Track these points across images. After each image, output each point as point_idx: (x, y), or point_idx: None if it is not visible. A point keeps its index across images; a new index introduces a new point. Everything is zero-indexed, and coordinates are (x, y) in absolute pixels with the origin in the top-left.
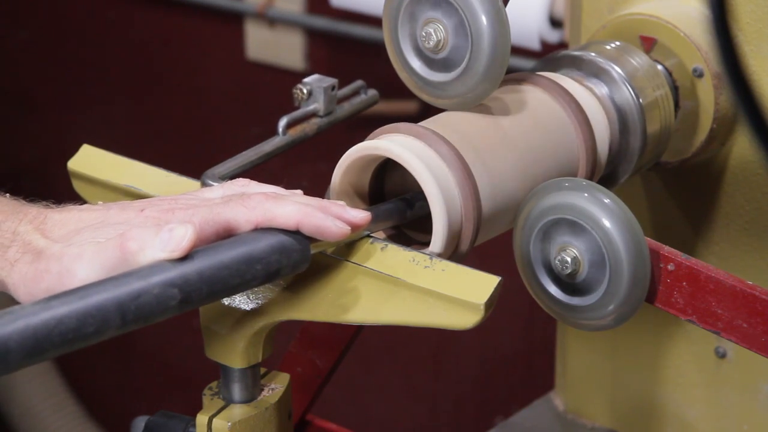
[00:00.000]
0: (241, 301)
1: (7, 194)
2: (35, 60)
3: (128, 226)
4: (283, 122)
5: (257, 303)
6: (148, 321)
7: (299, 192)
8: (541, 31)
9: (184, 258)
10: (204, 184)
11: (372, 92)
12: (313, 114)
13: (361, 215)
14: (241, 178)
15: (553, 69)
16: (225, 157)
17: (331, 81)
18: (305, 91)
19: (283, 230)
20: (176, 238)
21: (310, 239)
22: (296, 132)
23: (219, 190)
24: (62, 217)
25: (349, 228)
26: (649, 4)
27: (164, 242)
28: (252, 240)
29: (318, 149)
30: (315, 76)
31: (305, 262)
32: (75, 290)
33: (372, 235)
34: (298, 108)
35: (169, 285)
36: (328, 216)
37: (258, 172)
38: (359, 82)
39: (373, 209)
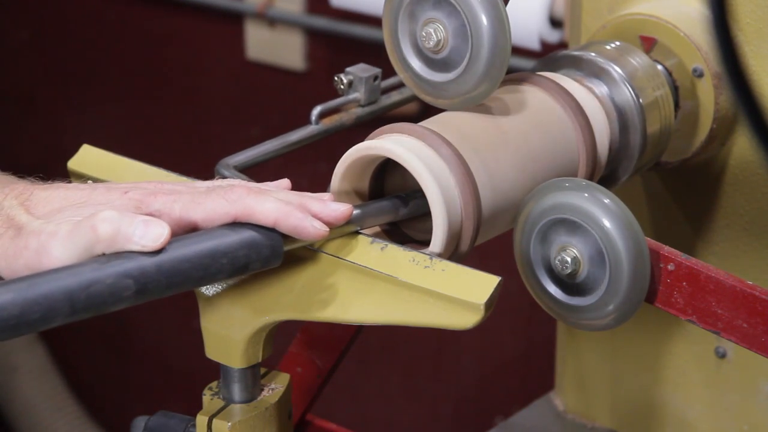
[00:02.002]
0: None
1: None
2: (35, 60)
3: (109, 207)
4: (316, 111)
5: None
6: (101, 310)
7: (286, 183)
8: (541, 31)
9: None
10: (217, 173)
11: None
12: (353, 104)
13: (341, 209)
14: (232, 179)
15: (553, 69)
16: (224, 156)
17: (374, 71)
18: (345, 80)
19: (258, 225)
20: (151, 235)
21: (288, 235)
22: (331, 122)
23: (208, 184)
24: (48, 195)
25: (327, 230)
26: (649, 4)
27: (139, 236)
28: (220, 234)
29: (318, 149)
30: (359, 66)
31: (277, 258)
32: (26, 277)
33: (366, 233)
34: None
35: (124, 276)
36: (306, 216)
37: (257, 171)
38: None
39: (365, 206)
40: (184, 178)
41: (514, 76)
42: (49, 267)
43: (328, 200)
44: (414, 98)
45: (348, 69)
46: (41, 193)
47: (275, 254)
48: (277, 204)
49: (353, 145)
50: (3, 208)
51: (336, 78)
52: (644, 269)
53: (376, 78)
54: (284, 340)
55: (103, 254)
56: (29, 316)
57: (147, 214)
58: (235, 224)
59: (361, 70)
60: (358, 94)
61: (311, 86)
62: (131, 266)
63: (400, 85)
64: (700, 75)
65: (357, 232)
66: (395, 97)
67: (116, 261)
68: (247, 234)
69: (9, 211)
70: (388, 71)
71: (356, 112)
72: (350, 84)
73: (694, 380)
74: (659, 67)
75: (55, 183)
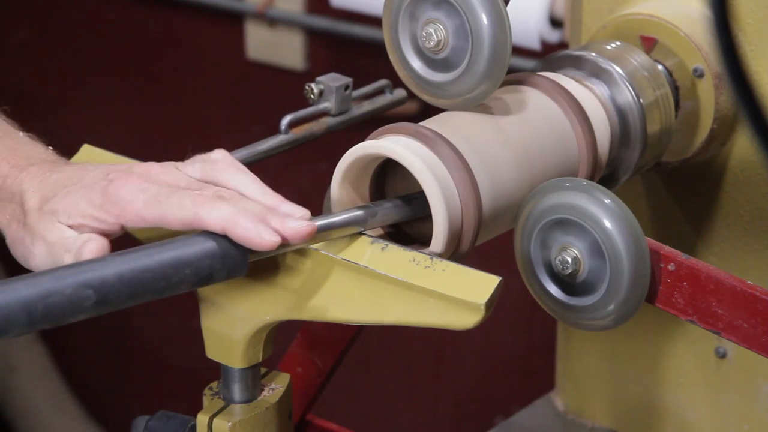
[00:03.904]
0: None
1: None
2: (35, 60)
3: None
4: (285, 120)
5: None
6: (60, 320)
7: (303, 212)
8: (541, 31)
9: (105, 259)
10: None
11: (398, 92)
12: (324, 113)
13: (298, 228)
14: (218, 150)
15: (554, 69)
16: None
17: (345, 80)
18: (316, 89)
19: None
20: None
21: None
22: (302, 131)
23: (196, 167)
24: (59, 178)
25: (278, 240)
26: (649, 4)
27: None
28: (184, 244)
29: (318, 149)
30: (329, 75)
31: (242, 268)
32: None
33: (367, 233)
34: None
35: (83, 286)
36: (258, 225)
37: (256, 171)
38: (383, 81)
39: (368, 207)
40: None
41: (514, 77)
42: (33, 268)
43: (301, 216)
44: (385, 109)
45: (318, 78)
46: (53, 176)
47: (240, 264)
48: (226, 212)
49: (353, 145)
50: (22, 192)
51: (306, 87)
52: (644, 269)
53: (347, 87)
54: (284, 340)
55: (65, 265)
56: None
57: (113, 201)
58: (201, 233)
59: (331, 80)
60: (328, 104)
61: None
62: (91, 276)
63: (373, 95)
64: (701, 75)
65: (360, 233)
66: (366, 107)
67: (76, 271)
68: (210, 243)
69: (25, 195)
70: (388, 71)
71: (327, 121)
72: (321, 93)
73: (694, 380)
74: (659, 67)
75: (64, 164)
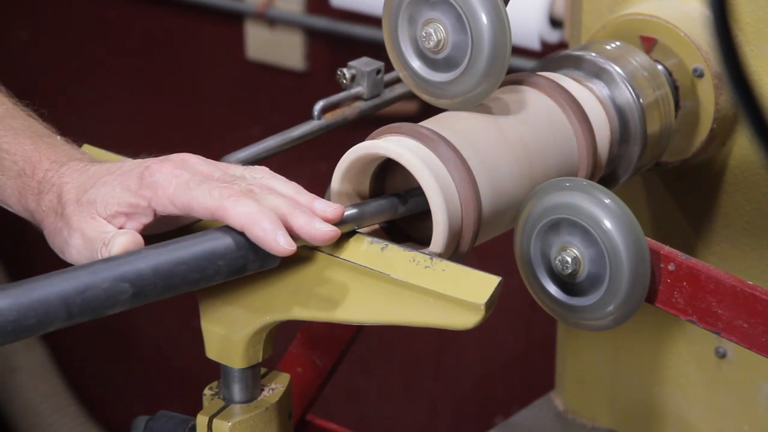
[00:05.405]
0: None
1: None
2: (35, 60)
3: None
4: (318, 106)
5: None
6: (97, 314)
7: (299, 190)
8: (541, 31)
9: (141, 253)
10: None
11: None
12: (356, 98)
13: (323, 231)
14: (257, 167)
15: (554, 69)
16: (224, 156)
17: (376, 65)
18: (348, 74)
19: None
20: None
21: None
22: (334, 116)
23: (237, 167)
24: (98, 170)
25: (293, 249)
26: (649, 4)
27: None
28: (217, 236)
29: (318, 149)
30: (361, 60)
31: (275, 258)
32: (23, 282)
33: (365, 233)
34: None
35: (120, 279)
36: (277, 230)
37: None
38: None
39: (363, 204)
40: None
41: (514, 77)
42: (69, 259)
43: (331, 213)
44: None
45: (351, 63)
46: (92, 168)
47: (272, 256)
48: (249, 209)
49: (353, 145)
50: (60, 185)
51: (339, 72)
52: (644, 269)
53: (378, 71)
54: (284, 340)
55: (102, 259)
56: (25, 322)
57: (147, 185)
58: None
59: (363, 64)
60: (360, 88)
61: (311, 86)
62: (127, 270)
63: None
64: (701, 75)
65: (354, 231)
66: (399, 90)
67: (112, 264)
68: (244, 235)
69: (61, 187)
70: (388, 71)
71: (359, 106)
72: (353, 78)
73: (694, 380)
74: (659, 67)
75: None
